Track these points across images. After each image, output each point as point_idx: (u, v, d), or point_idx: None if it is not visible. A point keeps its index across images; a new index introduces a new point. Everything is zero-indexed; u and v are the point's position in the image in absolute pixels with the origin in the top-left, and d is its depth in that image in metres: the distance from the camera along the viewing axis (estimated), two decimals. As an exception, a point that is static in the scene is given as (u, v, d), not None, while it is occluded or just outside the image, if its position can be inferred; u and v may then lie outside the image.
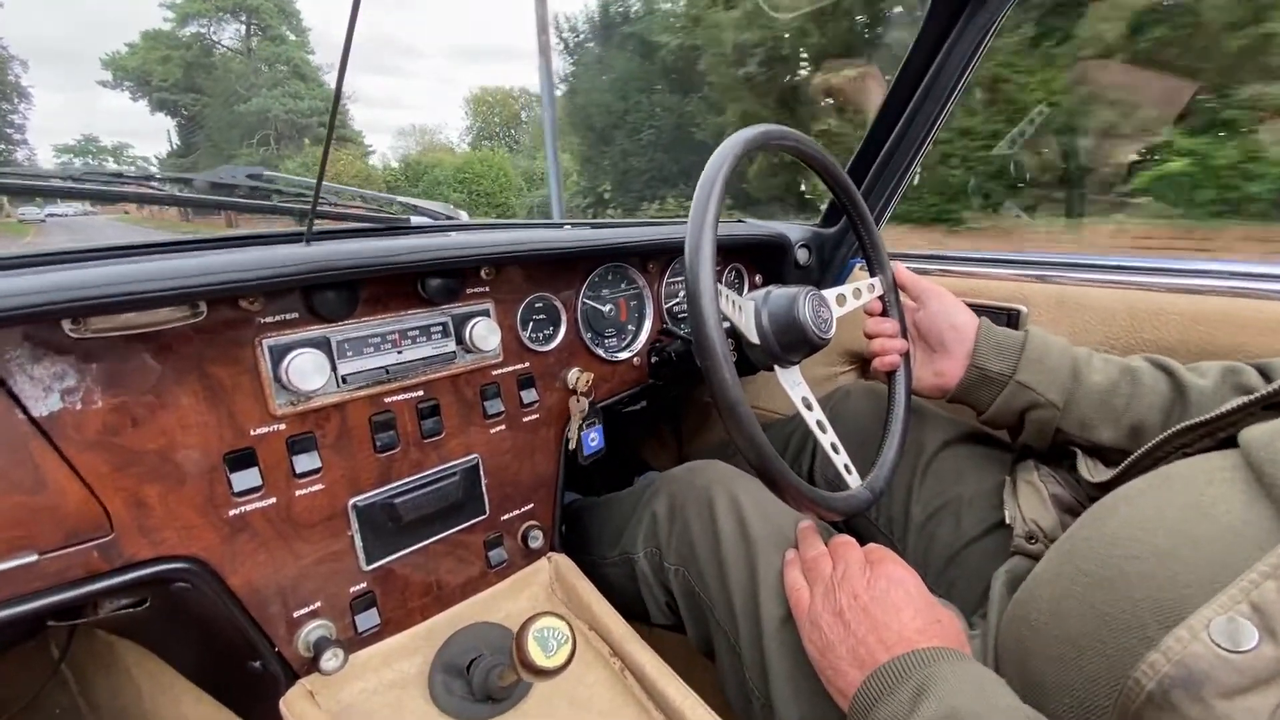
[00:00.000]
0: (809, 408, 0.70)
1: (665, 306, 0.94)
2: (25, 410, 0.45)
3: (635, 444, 1.49)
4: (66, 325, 0.46)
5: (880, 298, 0.81)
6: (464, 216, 0.96)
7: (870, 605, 0.54)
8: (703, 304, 0.57)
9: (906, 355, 0.80)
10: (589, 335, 0.83)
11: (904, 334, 0.80)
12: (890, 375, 0.80)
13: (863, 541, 0.67)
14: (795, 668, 0.60)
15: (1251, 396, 0.53)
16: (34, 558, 0.46)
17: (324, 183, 0.69)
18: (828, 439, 0.70)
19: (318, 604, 0.60)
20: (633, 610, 0.76)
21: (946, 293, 0.78)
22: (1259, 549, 0.40)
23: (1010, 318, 0.89)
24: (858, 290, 0.79)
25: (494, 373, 0.72)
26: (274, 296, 0.56)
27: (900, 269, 0.81)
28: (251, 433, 0.55)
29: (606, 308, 0.87)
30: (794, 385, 0.71)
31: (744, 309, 0.70)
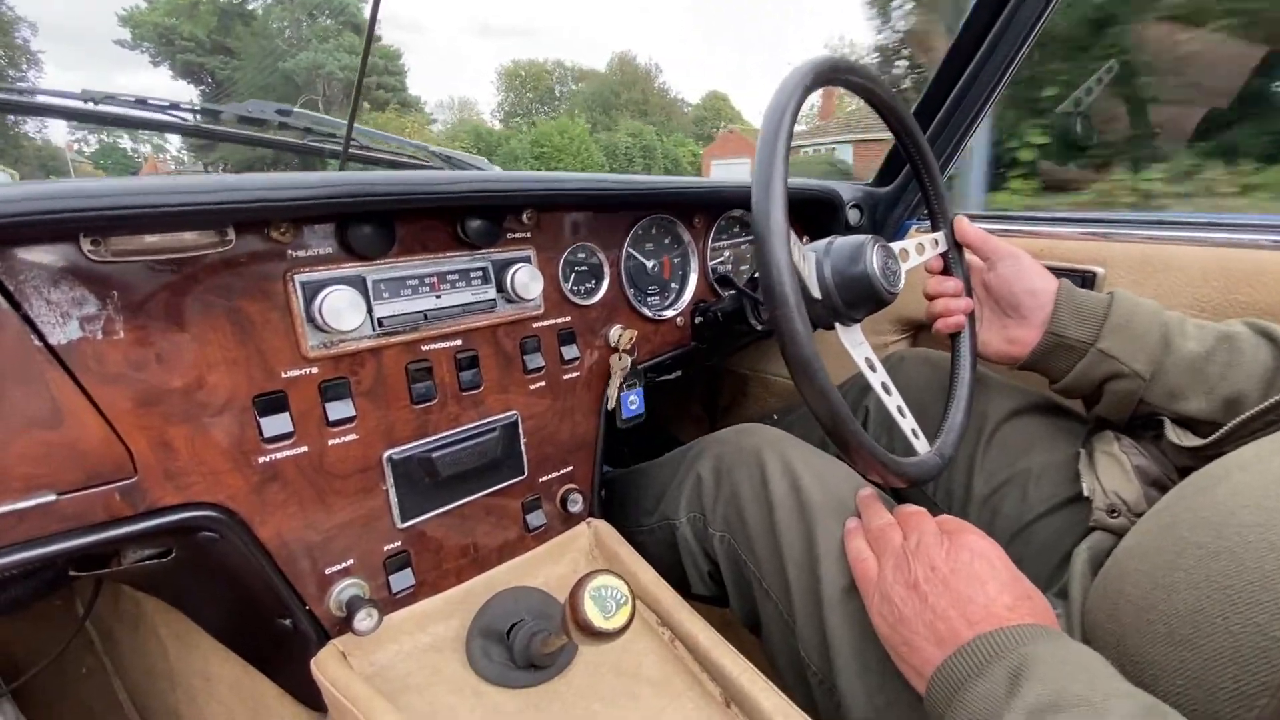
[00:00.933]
0: (873, 369, 0.65)
1: (710, 265, 0.89)
2: (42, 337, 0.41)
3: (666, 419, 1.45)
4: (85, 245, 0.42)
5: (943, 254, 0.75)
6: (496, 170, 0.92)
7: (951, 578, 0.49)
8: (774, 246, 0.52)
9: (971, 316, 0.74)
10: (632, 291, 0.78)
11: (968, 292, 0.75)
12: (954, 338, 0.74)
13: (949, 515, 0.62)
14: (862, 641, 0.55)
15: None
16: (52, 497, 0.42)
17: (356, 125, 0.64)
18: (893, 401, 0.65)
19: (350, 561, 0.57)
20: (672, 580, 0.72)
21: (1022, 253, 0.72)
22: None
23: (1086, 280, 0.83)
24: (920, 245, 0.73)
25: (534, 325, 0.68)
26: (306, 228, 0.51)
27: (966, 225, 0.75)
28: (283, 375, 0.51)
29: (650, 264, 0.82)
30: (856, 344, 0.66)
31: (806, 260, 0.64)
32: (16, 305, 0.41)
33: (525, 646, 0.55)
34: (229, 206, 0.42)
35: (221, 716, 0.71)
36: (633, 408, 0.79)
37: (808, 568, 0.61)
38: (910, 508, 0.59)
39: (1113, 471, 0.66)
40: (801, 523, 0.63)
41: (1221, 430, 0.58)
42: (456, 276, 0.60)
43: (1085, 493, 0.65)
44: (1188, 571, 0.44)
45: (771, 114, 0.56)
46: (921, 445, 0.65)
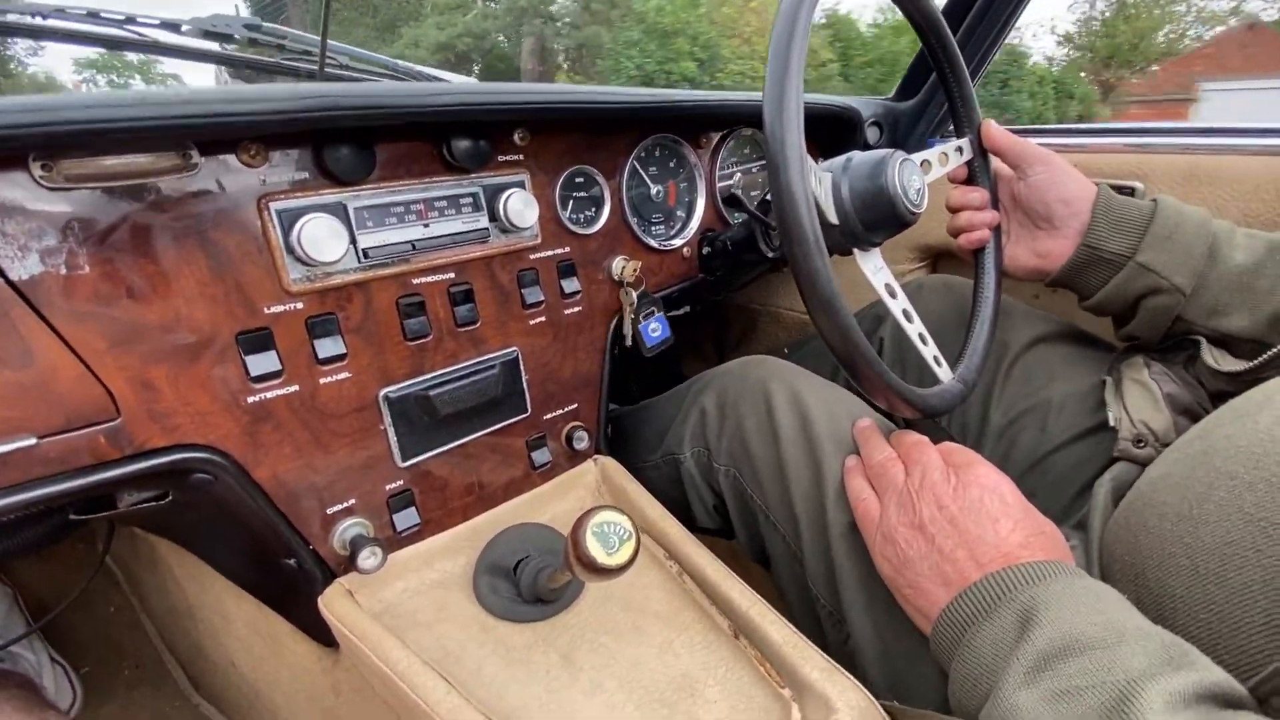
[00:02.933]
0: (893, 295, 0.61)
1: (719, 187, 0.84)
2: (2, 272, 0.39)
3: (673, 356, 1.42)
4: (36, 170, 0.38)
5: (968, 163, 0.70)
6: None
7: (959, 516, 0.47)
8: (790, 178, 0.48)
9: (997, 230, 0.70)
10: (635, 220, 0.74)
11: (995, 205, 0.70)
12: (977, 254, 0.70)
13: (954, 443, 0.59)
14: (869, 575, 0.54)
15: None
16: (32, 441, 0.41)
17: (337, 43, 0.59)
18: (914, 329, 0.61)
19: (352, 501, 0.56)
20: (678, 515, 0.71)
21: (1055, 157, 0.66)
22: None
23: (1123, 194, 0.77)
24: (944, 155, 0.68)
25: (531, 256, 0.64)
26: (279, 151, 0.47)
27: (995, 130, 0.69)
28: (266, 310, 0.48)
29: (655, 189, 0.77)
30: (876, 270, 0.62)
31: (822, 182, 0.60)
32: None
33: (532, 581, 0.55)
34: (186, 120, 0.38)
35: (242, 652, 0.73)
36: (655, 335, 0.75)
37: (815, 500, 0.59)
38: (911, 436, 0.56)
39: (1141, 400, 0.62)
40: (808, 455, 0.61)
41: (1268, 354, 0.54)
42: (445, 203, 0.57)
43: (1111, 422, 0.62)
44: (1219, 504, 0.41)
45: (783, 21, 0.50)
46: (944, 373, 0.62)
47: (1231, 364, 0.58)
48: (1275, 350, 0.53)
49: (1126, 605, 0.40)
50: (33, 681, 0.79)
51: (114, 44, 0.55)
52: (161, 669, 0.98)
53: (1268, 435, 0.42)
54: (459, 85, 0.51)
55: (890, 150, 0.60)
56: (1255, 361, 0.55)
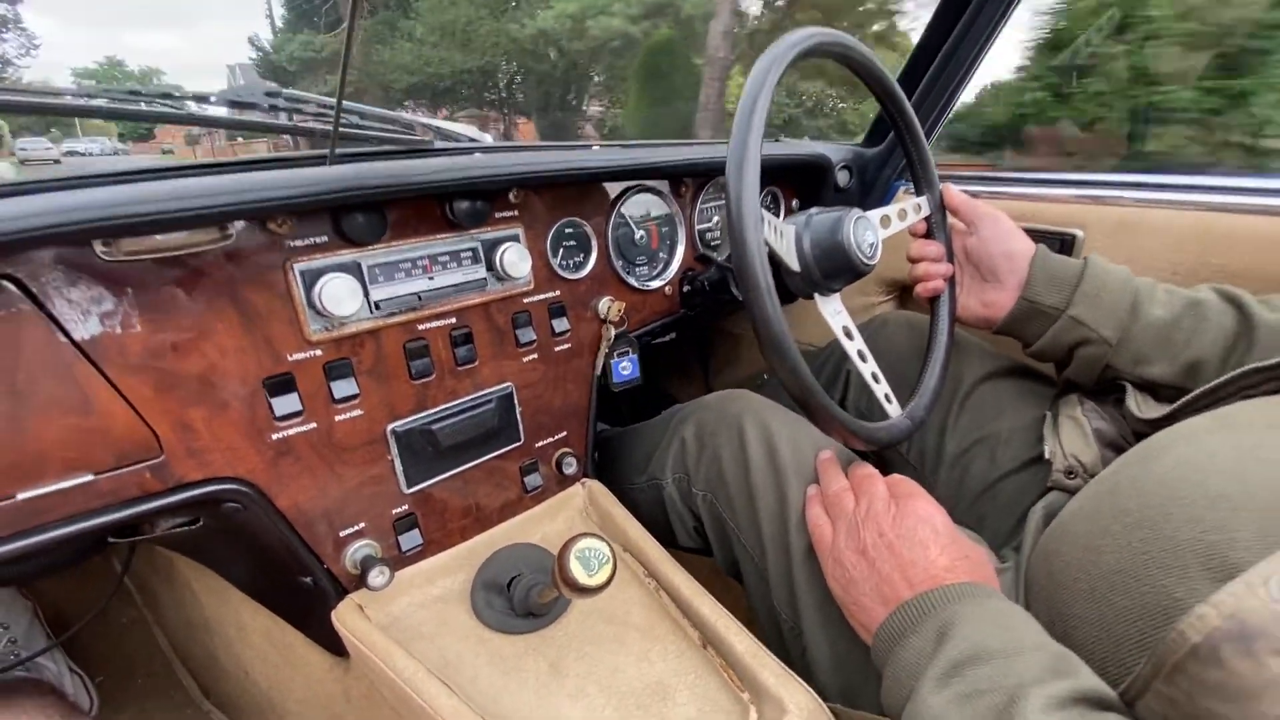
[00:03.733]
0: (850, 337, 0.68)
1: (698, 230, 0.91)
2: (66, 333, 0.45)
3: (662, 377, 1.49)
4: (98, 247, 0.45)
5: (927, 219, 0.77)
6: (489, 139, 0.92)
7: (896, 543, 0.53)
8: (746, 230, 0.55)
9: (951, 281, 0.77)
10: (620, 263, 0.81)
11: (950, 258, 0.77)
12: (933, 301, 0.77)
13: (899, 474, 0.65)
14: (825, 597, 0.60)
15: None
16: (90, 477, 0.47)
17: (345, 102, 0.65)
18: (868, 368, 0.68)
19: (362, 524, 0.62)
20: (660, 534, 0.77)
21: (1003, 216, 0.74)
22: None
23: (1065, 243, 0.84)
24: (903, 211, 0.75)
25: (525, 300, 0.71)
26: (303, 219, 0.54)
27: (951, 189, 0.76)
28: (289, 358, 0.55)
29: (638, 234, 0.84)
30: (835, 314, 0.69)
31: (785, 234, 0.67)
32: (40, 305, 0.44)
33: (524, 597, 0.61)
34: (229, 207, 0.45)
35: (256, 661, 0.79)
36: (625, 373, 0.82)
37: (780, 526, 0.66)
38: (863, 469, 0.63)
39: (1074, 435, 0.69)
40: (775, 485, 0.67)
41: (1180, 401, 0.61)
42: (447, 258, 0.63)
43: (1046, 454, 0.69)
44: (1114, 537, 0.48)
45: (748, 95, 0.57)
46: (894, 409, 0.69)
47: (1150, 410, 0.64)
48: (1186, 398, 0.60)
49: (1029, 621, 0.46)
50: (60, 690, 0.85)
51: (153, 118, 0.62)
52: (173, 678, 1.04)
53: (1160, 479, 0.49)
54: (457, 163, 0.58)
55: (847, 209, 0.68)
56: (1169, 409, 0.61)
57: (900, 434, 0.65)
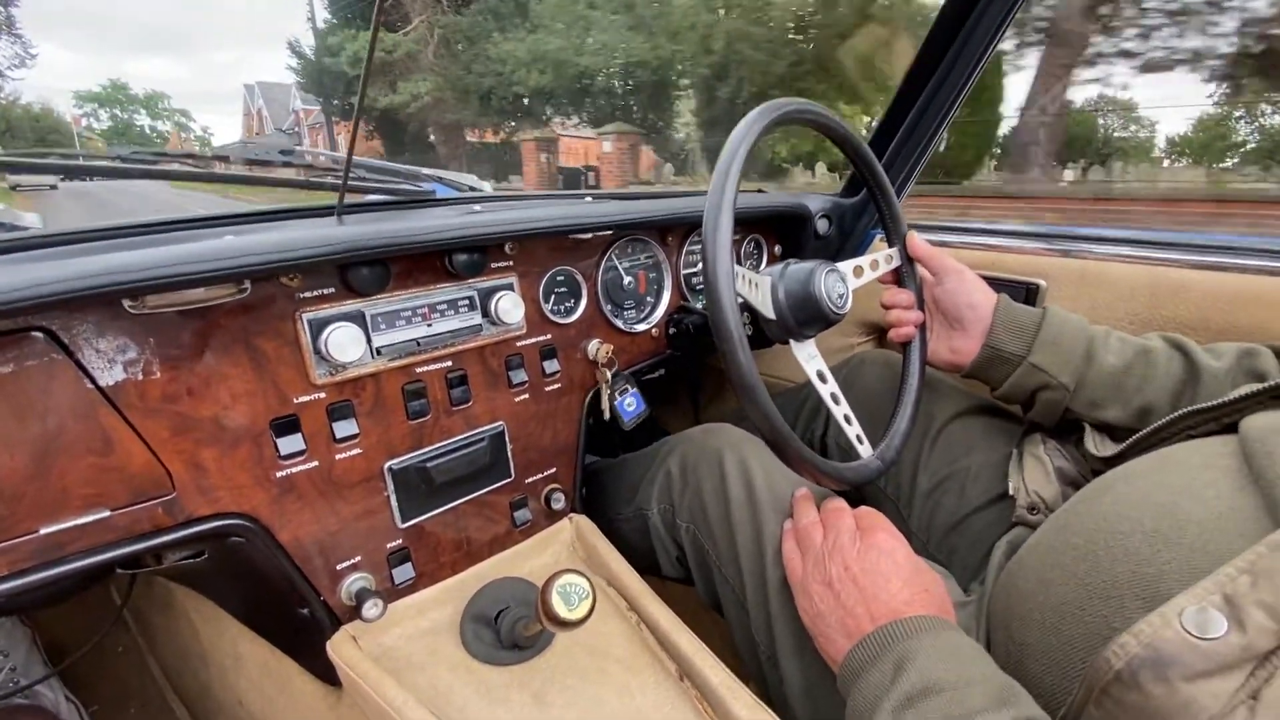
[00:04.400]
0: (823, 380, 0.72)
1: (683, 275, 0.96)
2: (93, 380, 0.49)
3: (654, 410, 1.52)
4: (126, 302, 0.49)
5: (897, 269, 0.82)
6: (488, 188, 0.98)
7: (860, 576, 0.56)
8: (720, 288, 0.59)
9: (922, 327, 0.81)
10: (608, 307, 0.86)
11: (920, 305, 0.81)
12: (905, 346, 0.81)
13: (868, 507, 0.69)
14: (799, 629, 0.63)
15: (1258, 387, 0.54)
16: (106, 513, 0.51)
17: (354, 158, 0.70)
18: (840, 410, 0.72)
19: (358, 558, 0.65)
20: (645, 563, 0.80)
21: (965, 270, 0.78)
22: (1240, 537, 0.41)
23: (1029, 292, 0.89)
24: (875, 262, 0.80)
25: (518, 344, 0.75)
26: (312, 273, 0.59)
27: (917, 242, 0.81)
28: (295, 401, 0.59)
29: (626, 280, 0.89)
30: (809, 359, 0.73)
31: (760, 285, 0.71)
32: (70, 354, 0.48)
33: (510, 630, 0.64)
34: (248, 268, 0.50)
35: (251, 691, 0.81)
36: (631, 410, 0.87)
37: (757, 558, 0.69)
38: (834, 504, 0.67)
39: (1036, 472, 0.73)
40: (752, 519, 0.71)
41: (1129, 440, 0.65)
42: (445, 306, 0.68)
43: (1010, 491, 0.73)
44: (1063, 569, 0.51)
45: (723, 161, 0.62)
46: (865, 450, 0.73)
47: (1106, 449, 0.69)
48: (1133, 439, 0.64)
49: (982, 654, 0.49)
50: (57, 717, 0.86)
51: (181, 176, 0.67)
52: (166, 708, 1.05)
53: (1103, 515, 0.53)
54: (457, 223, 0.62)
55: (819, 261, 0.72)
56: (1120, 447, 0.66)
57: (870, 475, 0.69)
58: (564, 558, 0.79)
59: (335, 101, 20.80)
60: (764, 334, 0.74)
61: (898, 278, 0.83)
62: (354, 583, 0.65)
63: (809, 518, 0.65)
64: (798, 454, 0.62)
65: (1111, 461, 0.67)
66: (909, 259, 0.82)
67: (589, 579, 0.53)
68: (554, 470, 0.81)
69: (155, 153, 0.66)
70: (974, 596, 0.66)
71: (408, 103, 17.66)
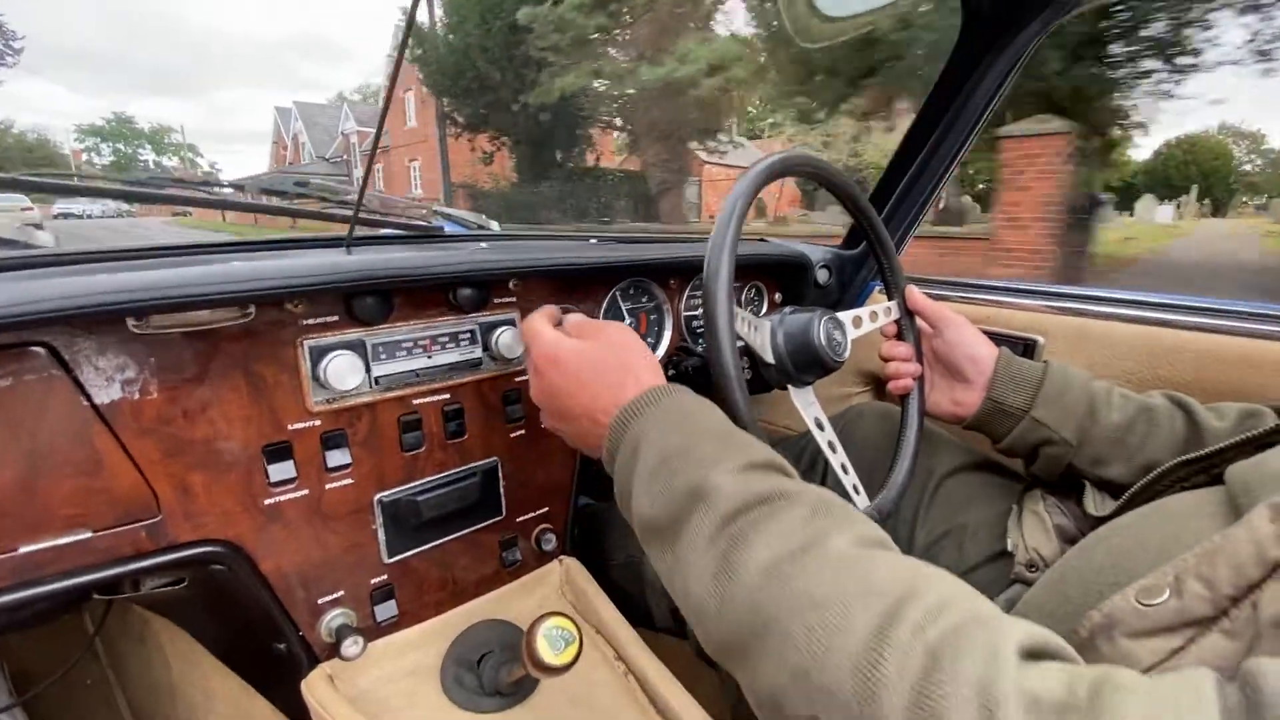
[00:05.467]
0: (820, 428, 0.72)
1: (684, 317, 0.96)
2: (89, 398, 0.49)
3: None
4: (130, 321, 0.50)
5: (896, 321, 0.83)
6: (495, 226, 1.00)
7: (560, 395, 0.56)
8: (719, 333, 0.60)
9: (920, 379, 0.81)
10: (609, 347, 0.86)
11: (919, 358, 0.82)
12: (904, 398, 0.81)
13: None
14: None
15: (1243, 436, 0.54)
16: (88, 535, 0.50)
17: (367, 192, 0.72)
18: (838, 459, 0.72)
19: (340, 593, 0.64)
20: (636, 613, 0.78)
21: (965, 323, 0.79)
22: None
23: (1027, 348, 0.90)
24: (874, 313, 0.81)
25: (517, 379, 0.75)
26: (316, 300, 0.59)
27: (916, 295, 0.82)
28: (289, 427, 0.59)
29: (627, 321, 0.90)
30: (807, 405, 0.73)
31: (760, 330, 0.72)
32: (69, 370, 0.48)
33: (493, 676, 0.62)
34: (255, 293, 0.50)
35: (218, 729, 0.77)
36: None
37: None
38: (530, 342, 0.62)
39: (1035, 529, 0.72)
40: None
41: (1124, 497, 0.64)
42: (447, 338, 0.68)
43: (1009, 548, 0.72)
44: (1059, 624, 0.50)
45: (725, 210, 0.63)
46: (862, 501, 0.72)
47: (1104, 508, 0.68)
48: (1127, 494, 0.63)
49: (708, 407, 0.52)
50: (14, 752, 0.82)
51: (196, 203, 0.69)
52: (129, 747, 1.00)
53: (1098, 568, 0.52)
54: (463, 258, 0.63)
55: (819, 310, 0.73)
56: (1116, 505, 0.65)
57: (866, 526, 0.68)
58: (552, 601, 0.77)
59: (463, 110, 14.62)
60: (763, 379, 0.74)
61: (897, 330, 0.83)
62: (334, 618, 0.63)
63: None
64: None
65: (1108, 519, 0.67)
66: (908, 312, 0.83)
67: (576, 624, 0.51)
68: (546, 510, 0.80)
69: (171, 179, 0.68)
70: None
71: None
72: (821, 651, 0.33)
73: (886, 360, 0.83)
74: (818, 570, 0.36)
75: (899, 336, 0.84)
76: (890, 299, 0.83)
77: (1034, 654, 0.31)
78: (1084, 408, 0.71)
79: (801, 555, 0.37)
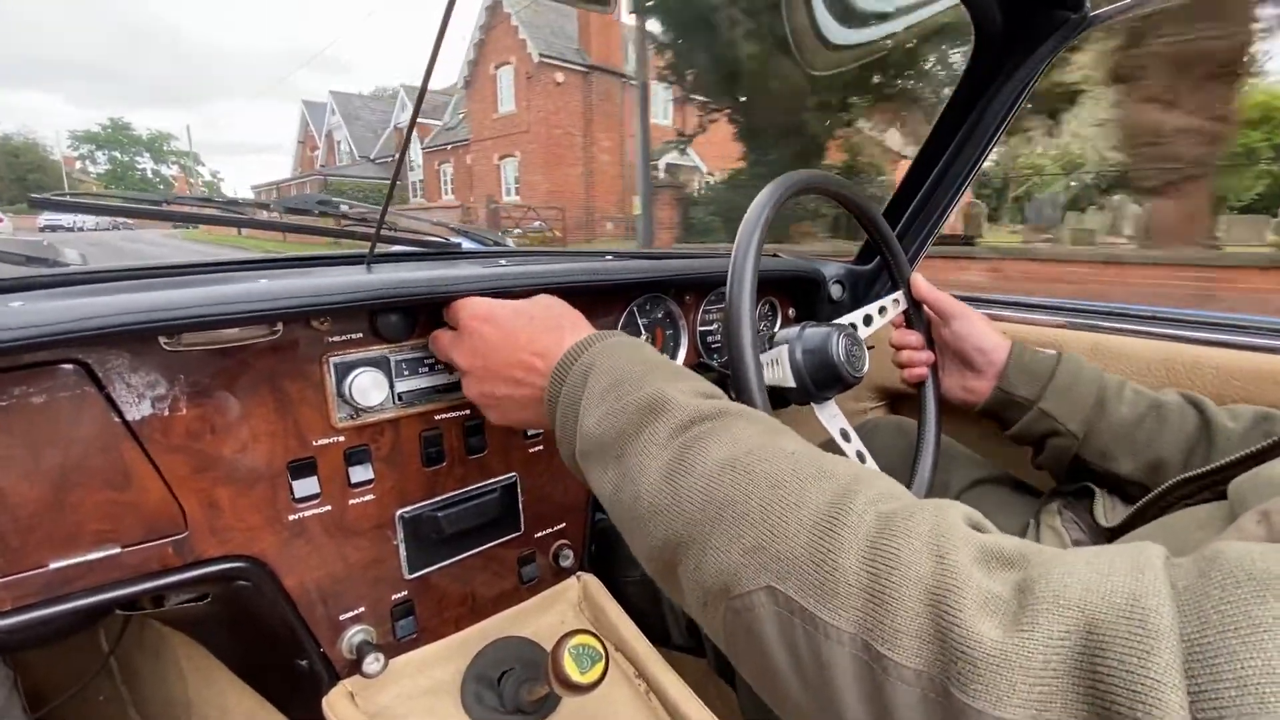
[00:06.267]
0: (847, 439, 0.72)
1: (699, 332, 0.97)
2: (120, 414, 0.50)
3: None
4: (162, 339, 0.50)
5: (904, 311, 0.83)
6: (511, 244, 1.01)
7: (490, 359, 0.56)
8: (745, 353, 0.60)
9: (934, 367, 0.81)
10: (626, 362, 0.86)
11: (931, 345, 0.82)
12: (919, 388, 0.82)
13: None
14: None
15: (1245, 451, 0.54)
16: (117, 550, 0.50)
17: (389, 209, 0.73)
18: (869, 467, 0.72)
19: (361, 609, 0.64)
20: (653, 631, 0.77)
21: (973, 313, 0.79)
22: None
23: (1043, 363, 0.90)
24: (883, 308, 0.81)
25: None
26: (342, 317, 0.60)
27: (921, 283, 0.82)
28: (314, 443, 0.59)
29: (644, 335, 0.90)
30: (831, 418, 0.73)
31: (779, 361, 0.72)
32: (101, 387, 0.49)
33: (514, 693, 0.62)
34: (284, 310, 0.51)
35: (234, 747, 0.77)
36: None
37: None
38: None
39: (1053, 544, 0.72)
40: None
41: (1135, 507, 0.64)
42: (468, 354, 0.68)
43: None
44: None
45: (745, 230, 0.64)
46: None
47: (1114, 519, 0.68)
48: (1134, 508, 0.63)
49: (655, 351, 0.51)
50: (28, 770, 0.82)
51: (219, 220, 0.70)
52: (141, 764, 1.00)
53: None
54: (483, 274, 0.64)
55: (835, 326, 0.73)
56: (1124, 517, 0.65)
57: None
58: (570, 618, 0.76)
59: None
60: (783, 396, 0.75)
61: (906, 320, 0.84)
62: (355, 635, 0.63)
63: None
64: None
65: (1117, 531, 0.66)
66: (915, 302, 0.83)
67: (602, 641, 0.51)
68: (564, 525, 0.80)
69: (200, 198, 0.69)
70: None
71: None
72: (778, 522, 0.34)
73: (898, 348, 0.83)
74: (773, 460, 0.37)
75: (908, 326, 0.84)
76: (896, 290, 0.83)
77: (977, 527, 0.33)
78: (1092, 400, 0.71)
79: (758, 451, 0.38)
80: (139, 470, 0.50)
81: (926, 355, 0.81)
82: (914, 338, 0.82)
